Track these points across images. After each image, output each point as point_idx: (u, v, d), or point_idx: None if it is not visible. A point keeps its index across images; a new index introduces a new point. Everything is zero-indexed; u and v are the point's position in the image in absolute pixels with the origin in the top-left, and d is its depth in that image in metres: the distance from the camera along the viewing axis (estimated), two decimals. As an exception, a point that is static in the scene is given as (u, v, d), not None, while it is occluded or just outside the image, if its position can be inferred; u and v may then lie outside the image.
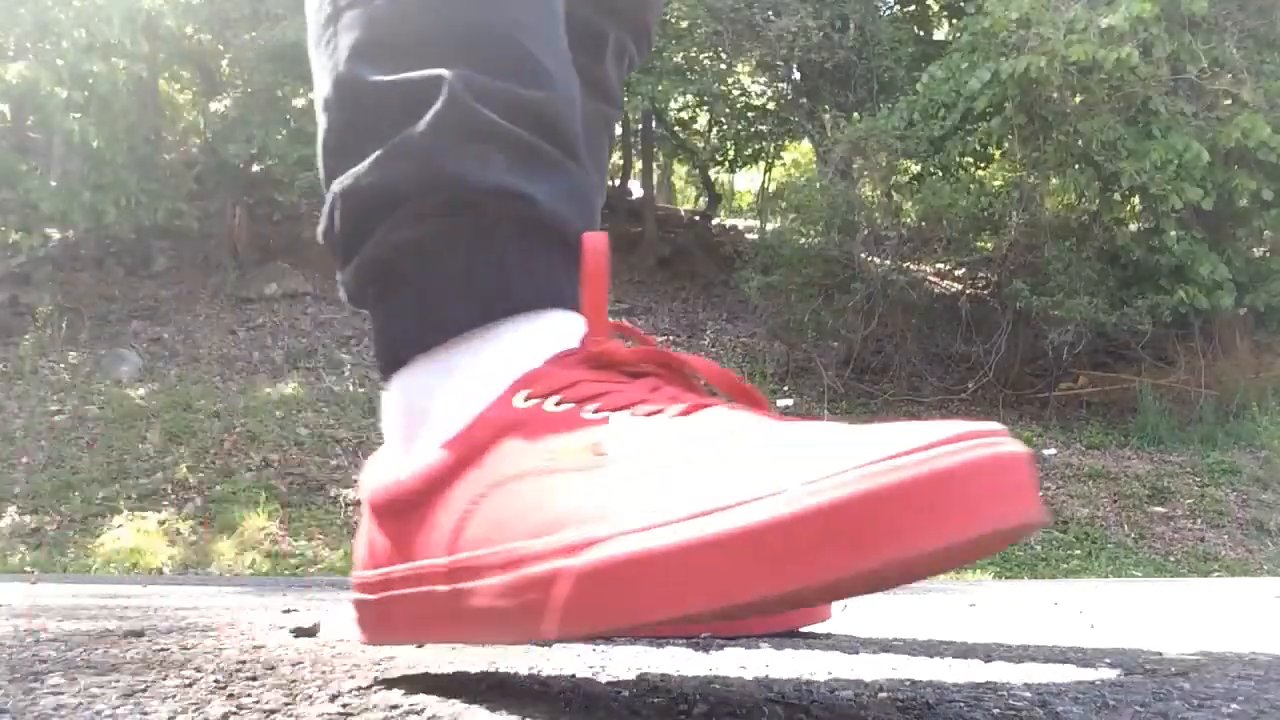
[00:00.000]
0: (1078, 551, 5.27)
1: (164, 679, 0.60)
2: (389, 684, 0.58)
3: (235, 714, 0.49)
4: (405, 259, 0.57)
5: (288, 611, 1.30)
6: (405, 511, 0.54)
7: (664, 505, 0.40)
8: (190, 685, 0.58)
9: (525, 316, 0.55)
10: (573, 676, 0.60)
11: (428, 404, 0.56)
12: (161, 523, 5.11)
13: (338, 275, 0.62)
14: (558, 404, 0.50)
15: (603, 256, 0.53)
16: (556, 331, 0.55)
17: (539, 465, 0.47)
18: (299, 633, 0.91)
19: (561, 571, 0.41)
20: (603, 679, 0.59)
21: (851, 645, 0.79)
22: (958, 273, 8.27)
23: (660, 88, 8.77)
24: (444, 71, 0.57)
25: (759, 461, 0.40)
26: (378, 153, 0.58)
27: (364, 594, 0.57)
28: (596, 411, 0.49)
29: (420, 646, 0.56)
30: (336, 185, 0.59)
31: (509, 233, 0.57)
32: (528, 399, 0.51)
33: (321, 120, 0.63)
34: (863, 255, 7.25)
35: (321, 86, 0.62)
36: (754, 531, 0.36)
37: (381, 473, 0.57)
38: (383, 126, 0.58)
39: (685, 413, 0.47)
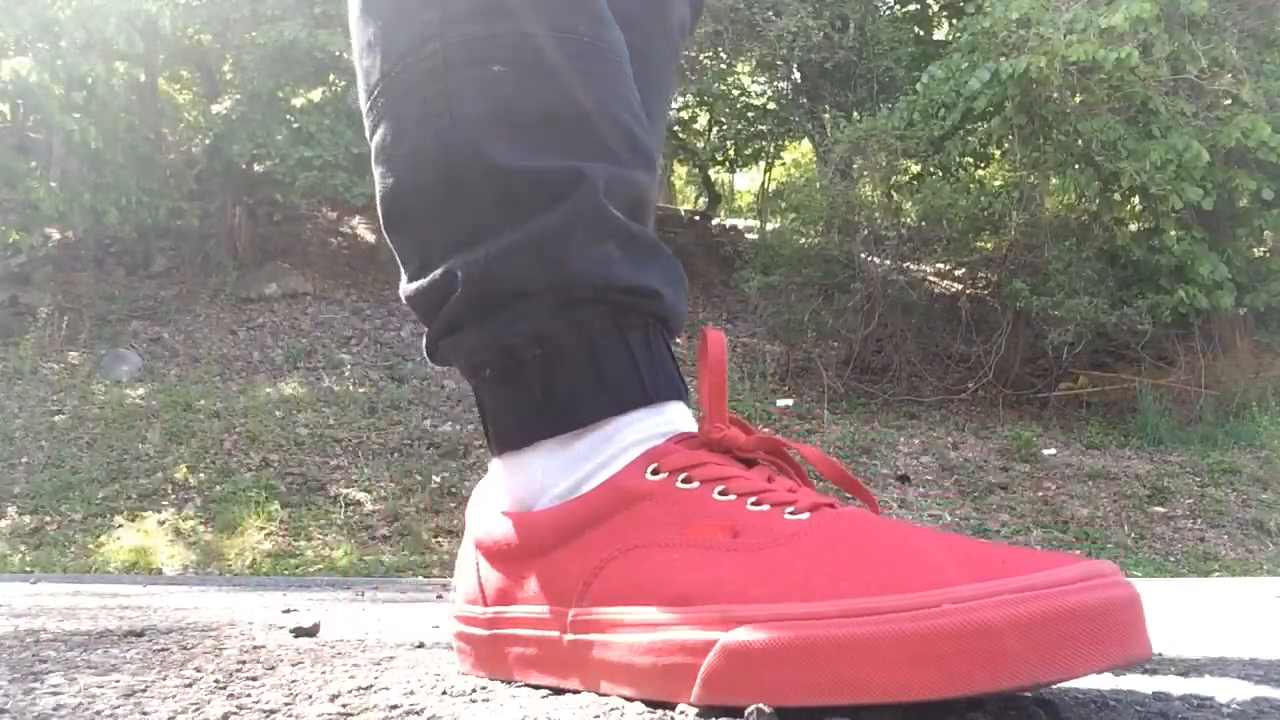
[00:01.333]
0: (1078, 551, 5.27)
1: (164, 679, 0.60)
2: (389, 684, 0.58)
3: (235, 714, 0.49)
4: (532, 349, 0.58)
5: (288, 611, 1.30)
6: (524, 558, 0.57)
7: (814, 598, 0.43)
8: (190, 685, 0.58)
9: (650, 408, 0.58)
10: (573, 676, 0.60)
11: (551, 480, 0.58)
12: (161, 523, 5.11)
13: (429, 338, 0.63)
14: (686, 481, 0.53)
15: (723, 350, 0.57)
16: (674, 422, 0.58)
17: (673, 538, 0.51)
18: (299, 633, 0.91)
19: (713, 643, 0.44)
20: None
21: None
22: (958, 273, 8.26)
23: (660, 88, 8.74)
24: (582, 165, 0.58)
25: (905, 571, 0.43)
26: (506, 241, 0.58)
27: (472, 628, 0.61)
28: (724, 494, 0.52)
29: (517, 684, 0.57)
30: (458, 266, 0.59)
31: (635, 326, 0.59)
32: (656, 472, 0.54)
33: (406, 172, 0.62)
34: (863, 255, 7.25)
35: (415, 140, 0.61)
36: (908, 639, 0.39)
37: (495, 520, 0.60)
38: (508, 210, 0.58)
39: (812, 509, 0.50)
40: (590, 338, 0.58)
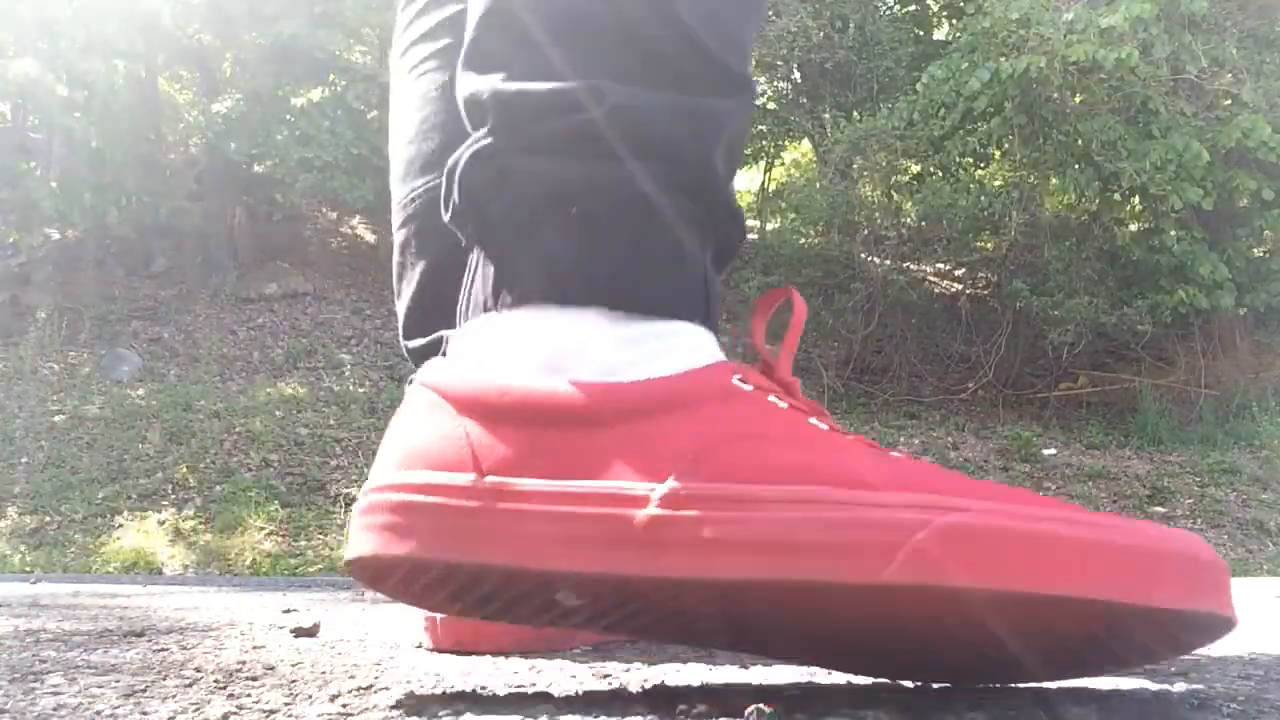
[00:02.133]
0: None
1: (164, 679, 0.60)
2: (389, 684, 0.58)
3: (235, 714, 0.49)
4: (646, 213, 0.53)
5: (288, 611, 1.30)
6: (569, 426, 0.49)
7: (1014, 501, 0.44)
8: (190, 685, 0.58)
9: (704, 328, 0.55)
10: (573, 677, 0.60)
11: (593, 352, 0.51)
12: (161, 523, 5.11)
13: (499, 146, 0.54)
14: (774, 399, 0.51)
15: (804, 311, 0.56)
16: (720, 353, 0.55)
17: (797, 436, 0.48)
18: (299, 633, 0.91)
19: (926, 522, 0.42)
20: (604, 679, 0.59)
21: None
22: (958, 273, 8.27)
23: (660, 88, 8.74)
24: (752, 79, 0.57)
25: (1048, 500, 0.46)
26: (673, 100, 0.53)
27: (451, 499, 0.49)
28: (816, 423, 0.50)
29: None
30: (611, 93, 0.52)
31: (713, 249, 0.56)
32: (744, 383, 0.51)
33: None
34: (863, 255, 7.25)
35: None
36: (1126, 550, 0.42)
37: (518, 378, 0.51)
38: (680, 73, 0.54)
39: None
40: (694, 235, 0.54)
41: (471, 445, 0.50)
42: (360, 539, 0.51)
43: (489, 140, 0.54)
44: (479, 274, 0.55)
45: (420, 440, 0.51)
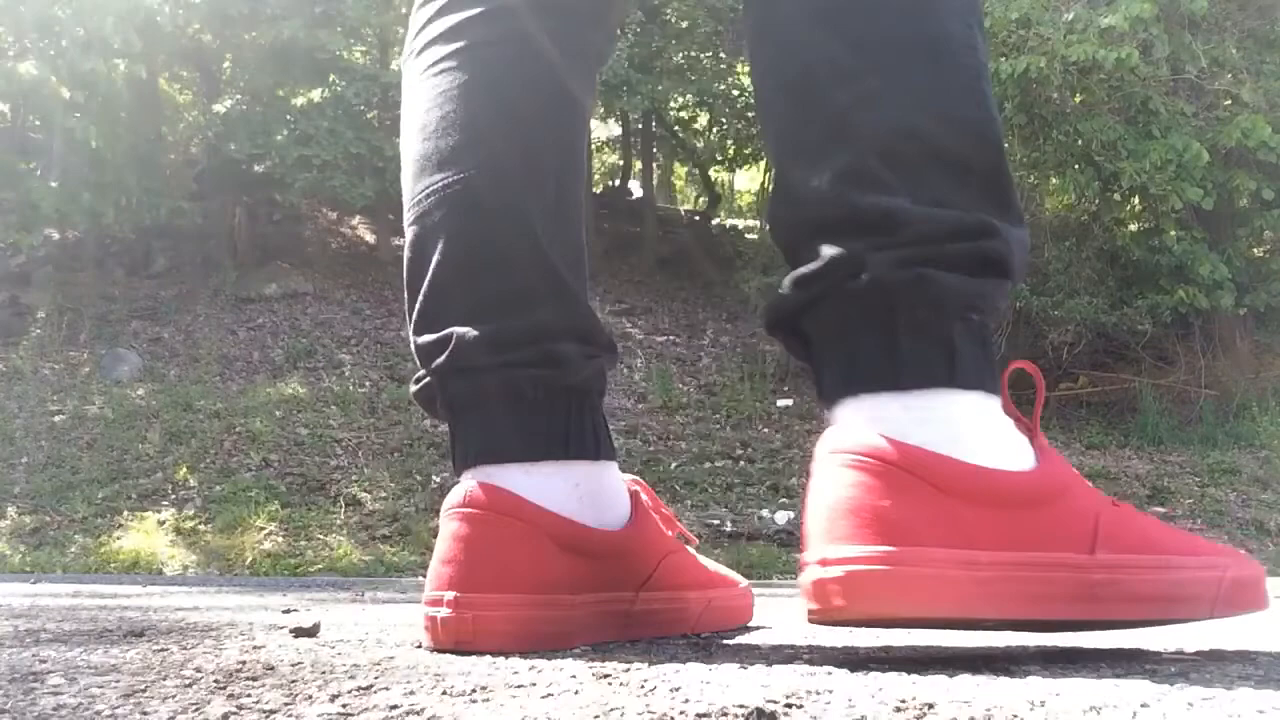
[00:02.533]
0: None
1: (164, 679, 0.60)
2: (389, 684, 0.58)
3: (235, 714, 0.49)
4: (995, 317, 0.69)
5: (288, 611, 1.30)
6: (994, 507, 0.64)
7: (1224, 554, 0.69)
8: (190, 685, 0.58)
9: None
10: (574, 677, 0.60)
11: (980, 429, 0.67)
12: (162, 523, 5.11)
13: (891, 257, 0.66)
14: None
15: (1044, 386, 0.72)
16: None
17: (1125, 509, 0.69)
18: (299, 633, 0.91)
19: (1222, 577, 0.67)
20: (602, 679, 0.59)
21: (851, 648, 0.79)
22: (958, 273, 8.26)
23: (660, 88, 8.77)
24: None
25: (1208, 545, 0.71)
26: (1012, 225, 0.68)
27: (947, 570, 0.61)
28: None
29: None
30: (1004, 229, 0.67)
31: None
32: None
33: (941, 124, 0.68)
34: (863, 255, 7.24)
35: (962, 107, 0.69)
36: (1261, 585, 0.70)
37: (972, 457, 0.65)
38: (1013, 202, 0.69)
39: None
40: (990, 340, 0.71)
41: (953, 522, 0.63)
42: (849, 602, 0.63)
43: (903, 251, 0.66)
44: (869, 351, 0.67)
45: (896, 514, 0.63)
